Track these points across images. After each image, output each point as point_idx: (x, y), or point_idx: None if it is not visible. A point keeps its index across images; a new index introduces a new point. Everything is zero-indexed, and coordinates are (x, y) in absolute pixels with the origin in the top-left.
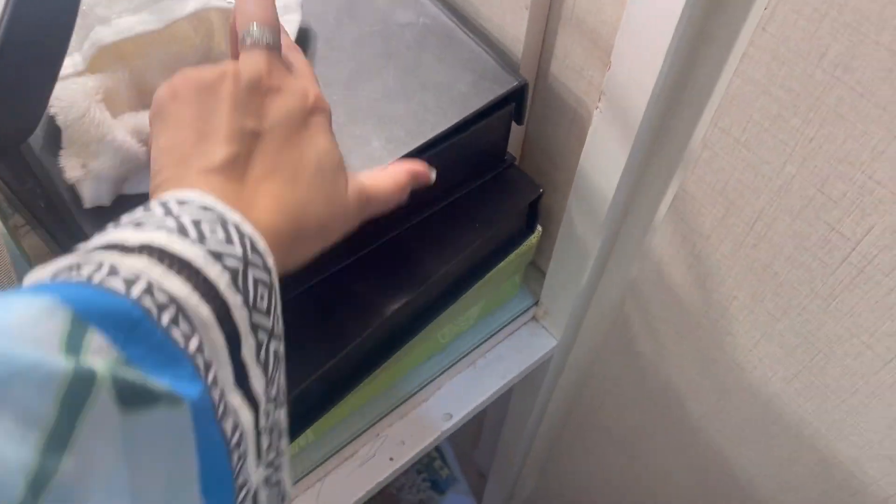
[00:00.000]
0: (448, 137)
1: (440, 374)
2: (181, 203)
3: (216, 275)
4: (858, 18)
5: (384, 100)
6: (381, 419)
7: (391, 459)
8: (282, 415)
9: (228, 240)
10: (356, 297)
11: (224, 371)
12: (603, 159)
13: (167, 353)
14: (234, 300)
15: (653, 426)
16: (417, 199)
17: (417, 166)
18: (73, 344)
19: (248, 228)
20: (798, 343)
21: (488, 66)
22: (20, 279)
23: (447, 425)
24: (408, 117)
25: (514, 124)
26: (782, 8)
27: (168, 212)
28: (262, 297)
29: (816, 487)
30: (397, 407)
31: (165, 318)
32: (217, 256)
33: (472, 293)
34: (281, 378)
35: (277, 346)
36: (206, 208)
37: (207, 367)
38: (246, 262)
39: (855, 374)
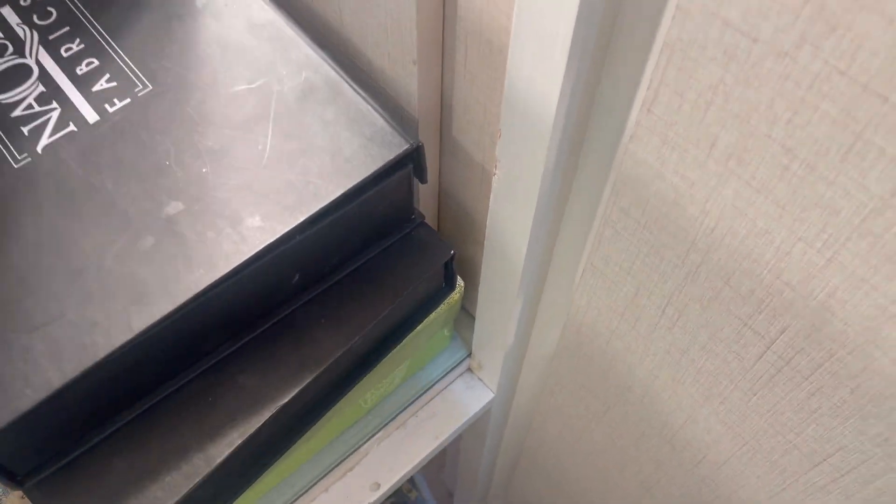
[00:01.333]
0: (337, 208)
1: (366, 441)
2: None
3: None
4: (747, 110)
5: (260, 169)
6: (302, 495)
7: None
8: None
9: None
10: (242, 388)
11: None
12: (510, 224)
13: None
14: None
15: (600, 481)
16: (313, 270)
17: None
18: None
19: None
20: (723, 431)
21: (377, 128)
22: None
23: (374, 496)
24: (287, 189)
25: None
26: (665, 90)
27: None
28: None
29: None
30: (320, 479)
31: None
32: None
33: (393, 357)
34: None
35: None
36: None
37: None
38: None
39: (784, 472)
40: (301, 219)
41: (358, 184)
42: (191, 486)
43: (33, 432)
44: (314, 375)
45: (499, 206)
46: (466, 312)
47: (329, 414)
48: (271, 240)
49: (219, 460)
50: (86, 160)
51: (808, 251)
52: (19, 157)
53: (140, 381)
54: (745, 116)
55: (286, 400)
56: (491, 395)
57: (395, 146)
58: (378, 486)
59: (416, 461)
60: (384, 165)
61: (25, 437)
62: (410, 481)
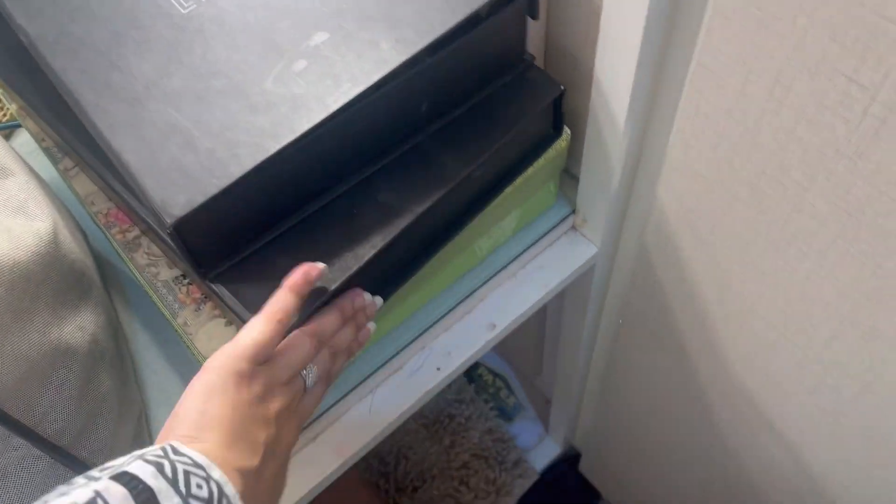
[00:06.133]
0: (458, 35)
1: (481, 286)
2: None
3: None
4: None
5: (391, 3)
6: (425, 331)
7: (438, 370)
8: None
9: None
10: (382, 205)
11: None
12: (618, 44)
13: None
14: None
15: (700, 323)
16: (438, 100)
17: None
18: None
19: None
20: (829, 211)
21: None
22: (74, 220)
23: (491, 335)
24: (415, 17)
25: (532, 21)
26: None
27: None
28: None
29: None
30: (441, 319)
31: None
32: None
33: (506, 201)
34: None
35: None
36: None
37: None
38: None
39: (889, 235)
40: (429, 40)
41: (477, 10)
42: (344, 278)
43: (216, 221)
44: (441, 193)
45: (610, 30)
46: (570, 175)
47: (448, 258)
48: (405, 58)
49: (366, 258)
50: (242, 3)
51: None
52: (186, 5)
53: (298, 192)
54: None
55: (418, 214)
56: (594, 250)
57: None
58: (494, 326)
59: (528, 306)
60: None
61: (210, 225)
62: (508, 388)
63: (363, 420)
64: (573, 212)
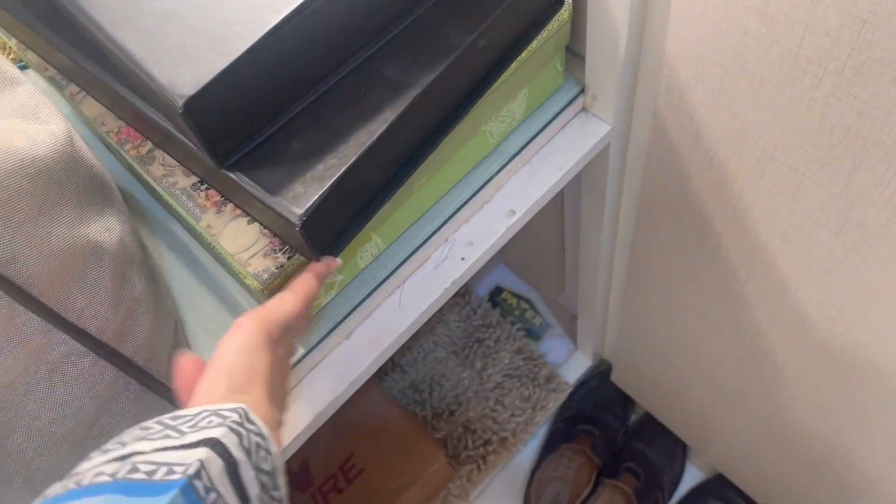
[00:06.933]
0: None
1: (497, 173)
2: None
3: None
4: None
5: None
6: (446, 223)
7: (462, 259)
8: None
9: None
10: (388, 80)
11: None
12: None
13: None
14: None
15: (719, 184)
16: None
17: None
18: None
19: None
20: (841, 22)
21: None
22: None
23: (511, 221)
24: None
25: None
26: None
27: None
28: (264, 460)
29: None
30: (460, 210)
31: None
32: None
33: (512, 78)
34: None
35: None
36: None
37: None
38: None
39: None
40: None
41: None
42: (358, 153)
43: (226, 101)
44: (447, 63)
45: None
46: (575, 55)
47: (459, 143)
48: None
49: (378, 132)
50: None
51: None
52: None
53: (304, 72)
54: None
55: (426, 85)
56: (607, 128)
57: None
58: (513, 212)
59: (545, 190)
60: None
61: (220, 105)
62: (533, 308)
63: (394, 314)
64: (582, 91)
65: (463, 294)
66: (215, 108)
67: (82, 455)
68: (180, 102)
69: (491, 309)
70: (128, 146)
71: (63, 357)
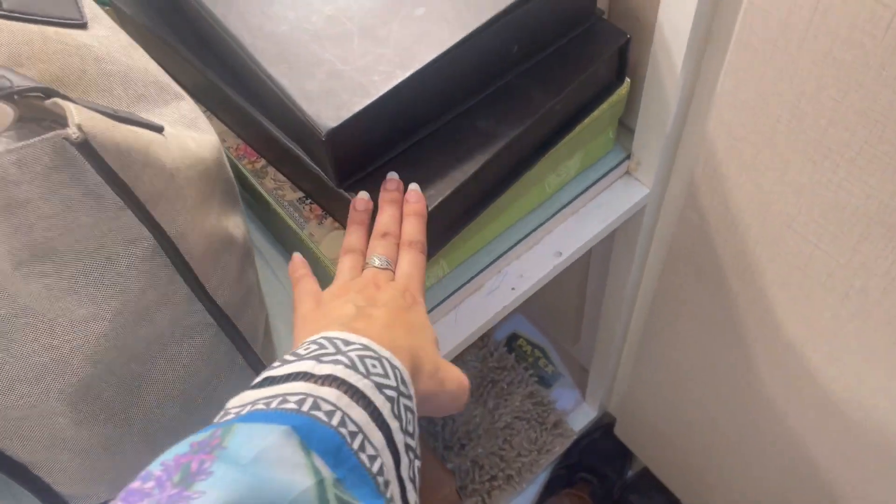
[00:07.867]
0: None
1: (548, 220)
2: (346, 343)
3: (381, 404)
4: None
5: None
6: (500, 257)
7: (512, 289)
8: None
9: (385, 374)
10: (480, 130)
11: (394, 488)
12: (675, 17)
13: (359, 474)
14: (394, 426)
15: (740, 249)
16: (526, 43)
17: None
18: (312, 467)
19: (397, 363)
20: (858, 121)
21: None
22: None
23: (558, 260)
24: None
25: None
26: None
27: (338, 350)
28: (410, 423)
29: None
30: (513, 247)
31: (356, 444)
32: (380, 388)
33: (573, 141)
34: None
35: (419, 466)
36: (365, 347)
37: (386, 485)
38: (399, 393)
39: None
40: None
41: None
42: (452, 188)
43: (356, 136)
44: (530, 122)
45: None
46: (625, 127)
47: (521, 193)
48: (503, 7)
49: (470, 172)
50: None
51: None
52: None
53: (415, 117)
54: None
55: (511, 138)
56: (646, 191)
57: None
58: (560, 253)
59: (589, 238)
60: None
61: (351, 139)
62: (546, 357)
63: (449, 329)
64: (628, 157)
65: (482, 337)
66: (347, 140)
67: (191, 413)
68: (324, 132)
69: (507, 353)
70: (244, 161)
71: (196, 324)
